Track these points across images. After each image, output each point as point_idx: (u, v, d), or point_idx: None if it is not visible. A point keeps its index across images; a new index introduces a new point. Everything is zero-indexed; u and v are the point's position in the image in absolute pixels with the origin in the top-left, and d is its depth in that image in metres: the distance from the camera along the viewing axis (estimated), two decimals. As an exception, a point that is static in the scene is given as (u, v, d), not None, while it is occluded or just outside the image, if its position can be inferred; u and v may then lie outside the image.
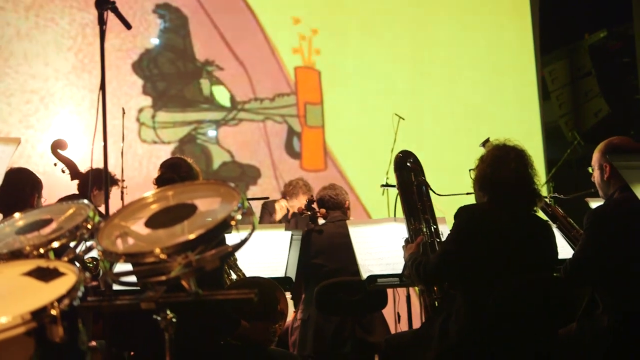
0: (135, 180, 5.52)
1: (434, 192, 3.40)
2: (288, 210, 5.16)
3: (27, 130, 6.19)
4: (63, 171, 4.08)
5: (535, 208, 2.81)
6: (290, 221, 5.08)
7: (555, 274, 2.86)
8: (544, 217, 3.20)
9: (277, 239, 3.66)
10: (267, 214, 5.23)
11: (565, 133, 8.29)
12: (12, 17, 6.31)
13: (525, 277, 2.63)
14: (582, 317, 2.90)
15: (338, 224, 4.05)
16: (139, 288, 1.63)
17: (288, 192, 5.22)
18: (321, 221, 4.24)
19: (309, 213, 4.24)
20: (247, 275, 3.24)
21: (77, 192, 4.07)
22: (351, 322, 3.85)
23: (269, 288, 2.86)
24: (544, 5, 7.67)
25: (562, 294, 2.75)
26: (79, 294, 1.38)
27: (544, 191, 2.96)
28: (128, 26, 2.45)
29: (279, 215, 5.17)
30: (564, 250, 3.25)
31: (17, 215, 1.88)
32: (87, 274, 1.47)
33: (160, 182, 2.89)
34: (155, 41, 6.78)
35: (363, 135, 6.99)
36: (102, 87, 2.40)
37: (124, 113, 5.00)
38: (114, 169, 3.99)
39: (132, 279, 1.64)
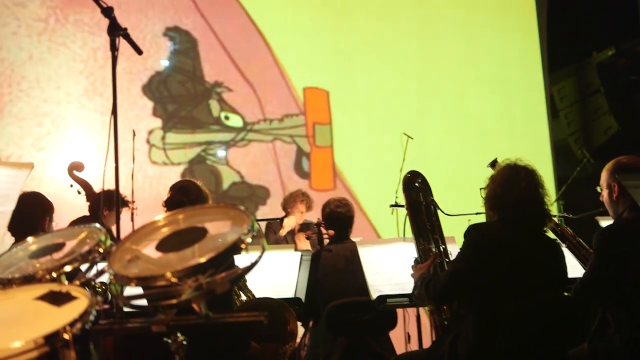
0: (145, 202, 5.55)
1: (442, 212, 3.40)
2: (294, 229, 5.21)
3: (39, 152, 6.25)
4: (79, 192, 4.12)
5: (545, 228, 2.81)
6: (286, 237, 5.14)
7: (565, 294, 2.85)
8: (553, 237, 3.19)
9: (287, 260, 3.67)
10: (272, 233, 5.27)
11: (574, 151, 8.27)
12: (25, 42, 6.40)
13: (535, 297, 2.62)
14: (594, 337, 2.88)
15: (347, 244, 4.05)
16: (147, 310, 1.65)
17: (286, 204, 5.30)
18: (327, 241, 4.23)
19: (317, 235, 4.23)
20: (257, 296, 3.25)
21: (88, 214, 4.11)
22: (361, 342, 3.83)
23: (278, 309, 2.86)
24: (552, 23, 7.70)
25: (572, 313, 2.74)
26: (91, 317, 1.39)
27: (553, 209, 2.96)
28: (139, 52, 2.49)
29: (285, 231, 5.20)
30: (574, 270, 3.23)
31: (30, 239, 1.90)
32: (99, 298, 1.49)
33: (170, 204, 2.92)
34: (165, 63, 6.86)
35: (372, 154, 7.01)
36: (114, 111, 2.44)
37: (134, 135, 5.05)
38: (124, 190, 4.02)
39: (143, 302, 1.66)
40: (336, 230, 4.16)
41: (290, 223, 5.18)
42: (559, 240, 3.23)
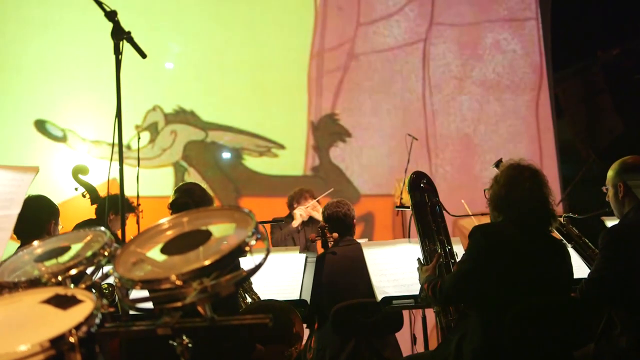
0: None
1: (448, 212, 3.40)
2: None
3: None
4: (84, 195, 4.13)
5: (550, 228, 2.80)
6: (299, 231, 5.15)
7: (571, 294, 2.84)
8: (559, 237, 3.18)
9: (292, 262, 3.67)
10: (278, 228, 5.28)
11: (579, 151, 8.25)
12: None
13: (540, 297, 2.61)
14: (600, 338, 2.87)
15: (351, 247, 4.05)
16: (153, 312, 1.65)
17: (295, 198, 5.32)
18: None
19: (321, 239, 4.24)
20: (262, 298, 3.25)
21: (94, 217, 4.12)
22: (367, 344, 3.82)
23: (284, 311, 2.86)
24: (556, 23, 7.69)
25: (578, 314, 2.73)
26: (97, 320, 1.39)
27: (558, 210, 2.95)
28: (143, 55, 2.50)
29: (297, 222, 5.21)
30: (580, 270, 3.23)
31: (35, 243, 1.91)
32: (105, 301, 1.49)
33: (174, 206, 2.93)
34: (169, 66, 6.88)
35: (377, 155, 7.03)
36: (118, 114, 2.44)
37: (139, 138, 5.07)
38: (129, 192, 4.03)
39: (149, 304, 1.66)
40: (338, 232, 4.17)
41: (300, 212, 5.20)
42: (564, 241, 3.23)
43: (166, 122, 6.75)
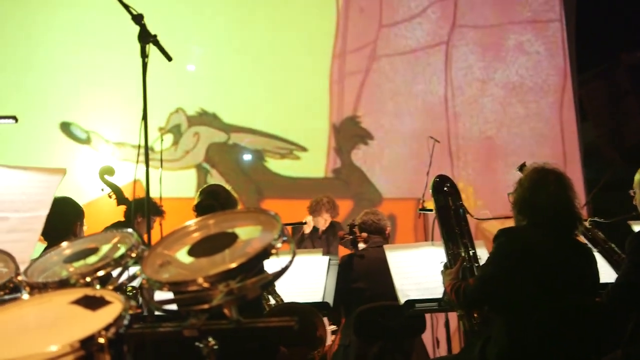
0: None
1: (471, 216, 3.38)
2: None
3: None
4: (110, 196, 4.17)
5: (575, 232, 2.78)
6: (321, 237, 5.14)
7: (596, 299, 2.81)
8: (584, 241, 3.15)
9: (315, 264, 3.68)
10: (296, 232, 5.30)
11: (604, 154, 8.15)
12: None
13: (566, 302, 2.59)
14: (628, 343, 2.83)
15: (379, 249, 4.06)
16: (178, 314, 1.66)
17: (312, 209, 5.31)
18: (361, 245, 4.25)
19: (351, 237, 4.27)
20: (285, 300, 3.26)
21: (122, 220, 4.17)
22: (391, 347, 3.82)
23: (307, 314, 2.87)
24: (580, 25, 7.61)
25: (605, 319, 2.70)
26: (125, 322, 1.40)
27: (582, 214, 2.92)
28: (169, 58, 2.52)
29: (309, 229, 5.21)
30: (606, 275, 3.19)
31: (64, 244, 1.93)
32: (133, 302, 1.50)
33: (199, 208, 2.95)
34: (191, 68, 6.92)
35: (399, 157, 7.01)
36: (144, 117, 2.46)
37: (162, 140, 5.11)
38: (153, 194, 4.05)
39: (174, 306, 1.67)
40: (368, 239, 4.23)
41: (309, 220, 5.20)
42: (590, 245, 3.19)
43: (189, 125, 6.79)
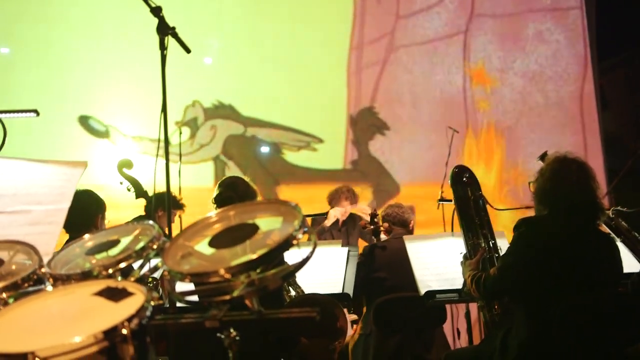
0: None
1: (491, 206, 3.36)
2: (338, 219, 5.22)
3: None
4: (129, 189, 4.19)
5: (598, 222, 2.75)
6: (340, 230, 5.14)
7: (619, 289, 2.78)
8: (607, 231, 3.11)
9: (334, 255, 3.68)
10: (316, 224, 5.30)
11: (626, 142, 8.05)
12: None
13: (588, 292, 2.56)
14: (652, 334, 2.81)
15: (401, 240, 4.05)
16: (200, 305, 1.67)
17: (331, 198, 5.30)
18: (383, 237, 4.26)
19: (372, 227, 4.27)
20: (305, 291, 3.26)
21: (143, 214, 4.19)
22: (411, 338, 3.82)
23: (327, 305, 2.87)
24: (601, 12, 7.51)
25: (628, 309, 2.67)
26: (148, 313, 1.41)
27: (604, 203, 2.88)
28: (187, 50, 2.52)
29: (330, 221, 5.21)
30: (630, 265, 3.15)
31: (86, 236, 1.94)
32: (155, 293, 1.51)
33: (218, 201, 2.96)
34: (208, 61, 6.93)
35: (417, 148, 6.98)
36: (164, 108, 2.47)
37: (180, 133, 5.12)
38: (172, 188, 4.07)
39: (195, 297, 1.68)
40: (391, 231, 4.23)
41: (335, 213, 5.19)
42: (613, 235, 3.15)
43: (206, 117, 6.81)
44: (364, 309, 4.13)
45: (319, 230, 5.11)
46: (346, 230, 5.19)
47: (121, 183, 4.19)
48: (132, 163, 4.20)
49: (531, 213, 2.92)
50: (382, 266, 4.01)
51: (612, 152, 7.41)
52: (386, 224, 4.19)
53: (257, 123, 6.90)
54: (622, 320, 2.61)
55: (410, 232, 4.29)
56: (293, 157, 6.94)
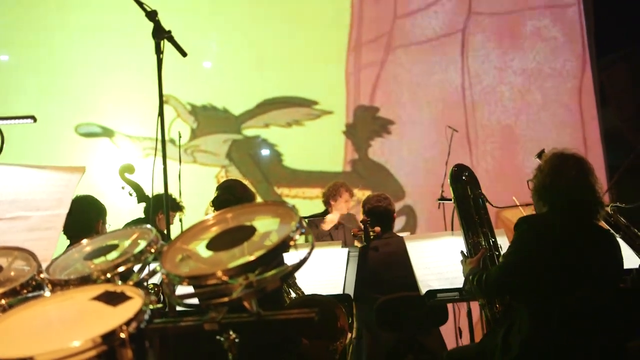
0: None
1: (491, 204, 3.36)
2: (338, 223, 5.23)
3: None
4: (130, 194, 4.20)
5: (597, 217, 2.74)
6: (338, 227, 5.15)
7: (620, 285, 2.78)
8: (606, 227, 3.11)
9: (334, 256, 3.68)
10: (314, 227, 5.30)
11: (627, 138, 8.04)
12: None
13: (589, 289, 2.56)
14: (653, 329, 2.80)
15: (391, 240, 4.05)
16: (199, 308, 1.67)
17: (331, 194, 5.30)
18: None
19: (363, 233, 4.26)
20: (306, 292, 3.26)
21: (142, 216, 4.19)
22: (410, 338, 3.81)
23: (328, 306, 2.87)
24: (599, 7, 7.50)
25: (629, 305, 2.67)
26: (146, 316, 1.41)
27: (604, 199, 2.88)
28: (184, 54, 2.52)
29: (329, 225, 5.21)
30: (630, 261, 3.15)
31: (84, 241, 1.95)
32: (153, 297, 1.51)
33: (216, 203, 2.96)
34: (207, 65, 6.94)
35: (417, 148, 6.98)
36: (161, 113, 2.48)
37: (180, 137, 5.13)
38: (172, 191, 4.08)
39: (194, 300, 1.68)
40: (379, 225, 4.21)
41: (333, 218, 5.20)
42: (612, 231, 3.15)
43: (205, 120, 6.82)
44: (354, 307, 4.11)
45: (318, 234, 5.12)
46: (343, 231, 5.19)
47: (123, 188, 4.20)
48: (134, 168, 4.21)
49: (530, 211, 2.91)
50: (377, 268, 3.99)
51: (612, 148, 7.41)
52: (378, 228, 4.19)
53: (255, 125, 6.90)
54: (622, 315, 2.61)
55: (392, 220, 4.29)
56: (292, 159, 6.94)
